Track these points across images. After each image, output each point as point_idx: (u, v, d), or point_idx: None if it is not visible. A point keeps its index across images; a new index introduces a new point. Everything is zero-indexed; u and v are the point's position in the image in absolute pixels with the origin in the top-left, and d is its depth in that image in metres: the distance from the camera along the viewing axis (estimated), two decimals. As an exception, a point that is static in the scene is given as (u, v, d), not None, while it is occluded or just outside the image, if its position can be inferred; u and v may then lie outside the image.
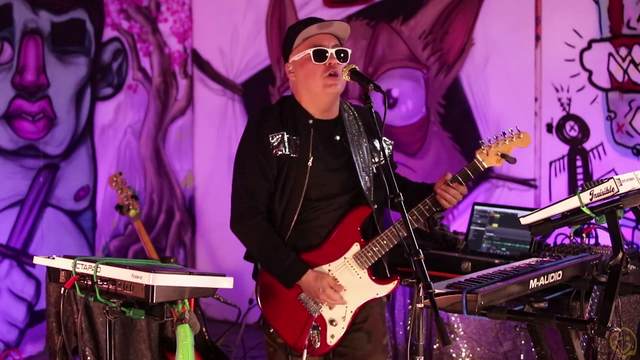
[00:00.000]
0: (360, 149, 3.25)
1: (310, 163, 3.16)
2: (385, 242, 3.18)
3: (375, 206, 3.23)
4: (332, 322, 3.21)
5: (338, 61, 3.15)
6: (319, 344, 3.18)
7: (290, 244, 3.21)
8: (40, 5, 5.18)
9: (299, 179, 3.16)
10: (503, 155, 3.19)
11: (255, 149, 3.21)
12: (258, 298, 3.28)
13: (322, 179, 3.19)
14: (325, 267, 3.21)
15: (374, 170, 3.26)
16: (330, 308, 3.20)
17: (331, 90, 3.17)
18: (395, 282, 3.26)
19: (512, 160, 3.18)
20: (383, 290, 3.24)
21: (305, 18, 3.27)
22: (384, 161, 3.12)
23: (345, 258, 3.21)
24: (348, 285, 3.20)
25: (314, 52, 3.13)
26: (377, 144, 3.29)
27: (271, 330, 3.23)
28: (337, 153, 3.23)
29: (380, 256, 3.20)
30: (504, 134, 3.19)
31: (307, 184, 3.15)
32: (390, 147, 3.40)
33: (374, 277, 3.23)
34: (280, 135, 3.18)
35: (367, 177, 3.24)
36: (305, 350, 3.14)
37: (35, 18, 5.16)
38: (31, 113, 5.17)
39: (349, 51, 3.19)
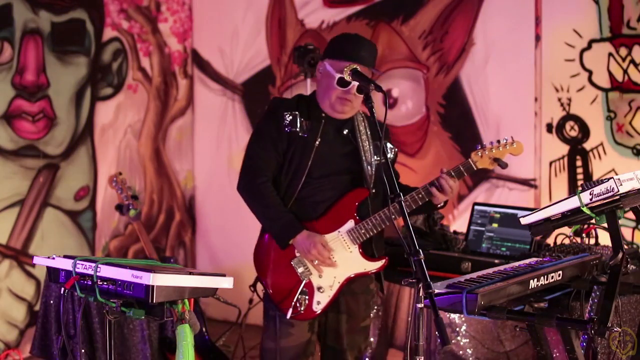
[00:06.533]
0: (366, 144, 3.57)
1: (317, 144, 3.49)
2: (378, 222, 3.47)
3: (373, 191, 3.55)
4: (319, 289, 3.49)
5: (357, 93, 3.45)
6: (304, 307, 3.47)
7: None
8: (40, 5, 5.18)
9: (304, 156, 3.48)
10: (496, 160, 3.47)
11: (270, 122, 3.53)
12: (255, 260, 3.60)
13: (325, 159, 3.51)
14: None
15: (376, 165, 3.57)
16: (320, 276, 3.48)
17: (339, 115, 3.54)
18: (384, 260, 3.57)
19: (504, 165, 3.47)
20: (371, 266, 3.54)
21: (355, 41, 3.50)
22: (384, 160, 3.25)
23: (339, 232, 3.51)
24: (339, 257, 3.49)
25: (339, 79, 3.43)
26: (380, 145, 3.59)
27: (263, 291, 3.58)
28: (344, 143, 3.56)
29: (371, 234, 3.48)
30: (499, 141, 3.48)
31: (311, 161, 3.48)
32: (394, 154, 3.70)
33: (364, 253, 3.52)
34: (293, 116, 3.50)
35: (369, 166, 3.55)
36: (291, 310, 3.45)
37: (35, 18, 5.16)
38: (31, 113, 5.17)
39: (372, 88, 3.38)
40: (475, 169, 3.46)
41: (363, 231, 3.47)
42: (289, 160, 3.50)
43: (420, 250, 2.57)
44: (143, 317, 2.51)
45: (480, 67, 5.07)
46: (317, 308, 3.49)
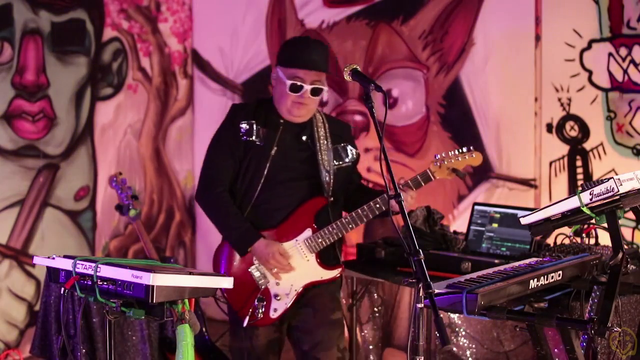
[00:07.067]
0: (324, 150, 3.60)
1: (273, 152, 3.52)
2: (335, 231, 3.52)
3: (332, 199, 3.59)
4: (276, 296, 3.53)
5: (311, 96, 3.49)
6: (261, 314, 3.51)
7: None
8: (40, 5, 5.18)
9: (260, 164, 3.52)
10: (454, 170, 3.53)
11: (227, 132, 3.58)
12: (214, 266, 3.65)
13: (282, 167, 3.54)
14: None
15: (335, 170, 3.61)
16: (278, 284, 3.53)
17: (295, 120, 3.56)
18: (339, 269, 3.64)
19: (462, 175, 3.56)
20: (327, 274, 3.59)
21: (302, 47, 3.54)
22: (384, 159, 3.26)
23: (296, 240, 3.55)
24: (296, 266, 3.53)
25: (290, 85, 3.47)
26: (341, 149, 3.66)
27: (221, 297, 3.65)
28: (302, 149, 3.60)
29: (328, 243, 3.53)
30: (457, 151, 3.54)
31: (267, 169, 3.51)
32: (356, 155, 3.74)
33: (320, 262, 3.57)
34: (250, 125, 3.53)
35: (327, 173, 3.59)
36: (248, 318, 3.49)
37: (35, 18, 5.16)
38: (31, 113, 5.17)
39: (325, 89, 3.53)
40: (432, 179, 3.52)
41: (320, 240, 3.52)
42: (246, 167, 3.55)
43: (420, 250, 2.56)
44: (143, 317, 2.51)
45: (480, 67, 5.07)
46: (274, 315, 3.54)
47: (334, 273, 3.61)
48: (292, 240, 3.55)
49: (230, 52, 6.12)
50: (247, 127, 3.54)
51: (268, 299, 3.53)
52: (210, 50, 6.21)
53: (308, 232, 3.55)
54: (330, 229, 3.51)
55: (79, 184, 5.51)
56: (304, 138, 3.59)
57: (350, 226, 3.48)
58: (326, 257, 3.60)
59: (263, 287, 3.53)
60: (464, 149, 3.57)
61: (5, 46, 5.02)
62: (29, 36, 5.14)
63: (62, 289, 2.57)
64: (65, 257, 2.64)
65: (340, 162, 3.64)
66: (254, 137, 3.53)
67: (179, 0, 6.15)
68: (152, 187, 6.03)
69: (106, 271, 2.48)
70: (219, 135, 3.64)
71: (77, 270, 2.54)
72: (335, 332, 3.64)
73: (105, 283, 2.48)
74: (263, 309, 3.51)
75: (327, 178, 3.58)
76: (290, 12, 5.82)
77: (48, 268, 2.69)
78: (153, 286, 2.37)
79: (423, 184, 3.51)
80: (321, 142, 3.59)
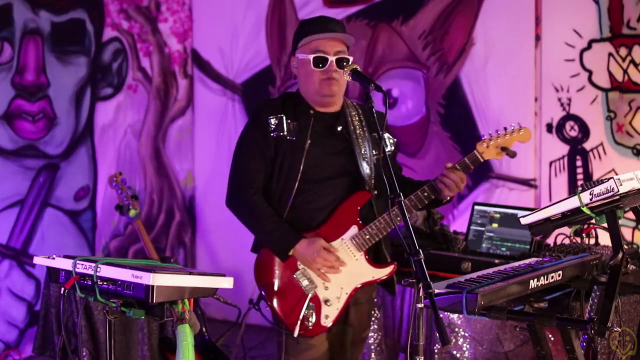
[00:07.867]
0: (362, 140, 3.34)
1: (307, 146, 3.26)
2: (382, 225, 3.26)
3: (375, 192, 3.32)
4: (326, 302, 3.27)
5: (337, 68, 3.22)
6: (312, 323, 3.24)
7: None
8: (40, 5, 5.18)
9: (295, 160, 3.26)
10: (503, 149, 3.29)
11: (255, 130, 3.32)
12: (256, 276, 3.37)
13: (318, 162, 3.29)
14: None
15: (375, 160, 3.34)
16: (327, 288, 3.27)
17: (327, 98, 3.30)
18: (392, 266, 3.36)
19: (512, 154, 3.29)
20: (379, 273, 3.33)
21: (316, 18, 3.36)
22: (383, 156, 3.19)
23: (342, 239, 3.28)
24: (344, 266, 3.27)
25: (314, 58, 3.23)
26: (378, 138, 3.30)
27: (267, 307, 3.34)
28: (337, 140, 3.34)
29: (377, 239, 3.28)
30: (505, 128, 3.29)
31: (303, 165, 3.25)
32: (393, 144, 3.47)
33: (370, 260, 3.31)
34: (278, 119, 3.28)
35: (366, 165, 3.33)
36: (298, 327, 3.23)
37: (35, 18, 5.16)
38: (31, 113, 5.17)
39: (351, 58, 3.26)
40: (481, 160, 3.29)
41: (368, 237, 3.26)
42: (279, 166, 3.28)
43: (420, 250, 2.56)
44: (143, 317, 2.51)
45: (480, 67, 5.07)
46: (326, 322, 3.27)
47: (386, 271, 3.33)
48: (338, 240, 3.28)
49: (230, 52, 6.12)
50: (277, 121, 3.27)
51: (318, 306, 3.25)
52: (210, 50, 6.21)
53: (354, 229, 3.28)
54: (378, 224, 3.25)
55: (79, 184, 5.52)
56: (339, 128, 3.33)
57: (399, 219, 3.16)
58: (375, 255, 3.35)
59: (311, 293, 3.25)
60: (512, 125, 3.30)
61: (5, 46, 5.02)
62: (29, 36, 5.14)
63: (62, 289, 2.57)
64: (65, 257, 2.64)
65: (379, 152, 3.31)
66: (284, 132, 3.26)
67: (179, 0, 6.16)
68: (152, 187, 6.04)
69: (106, 271, 2.48)
70: (246, 134, 3.35)
71: (77, 270, 2.54)
72: (361, 348, 3.52)
73: (105, 283, 2.48)
74: (314, 317, 3.24)
75: (367, 170, 3.31)
76: (290, 12, 5.82)
77: (48, 268, 2.69)
78: (153, 286, 2.37)
79: (472, 166, 3.27)
80: (357, 131, 3.33)
